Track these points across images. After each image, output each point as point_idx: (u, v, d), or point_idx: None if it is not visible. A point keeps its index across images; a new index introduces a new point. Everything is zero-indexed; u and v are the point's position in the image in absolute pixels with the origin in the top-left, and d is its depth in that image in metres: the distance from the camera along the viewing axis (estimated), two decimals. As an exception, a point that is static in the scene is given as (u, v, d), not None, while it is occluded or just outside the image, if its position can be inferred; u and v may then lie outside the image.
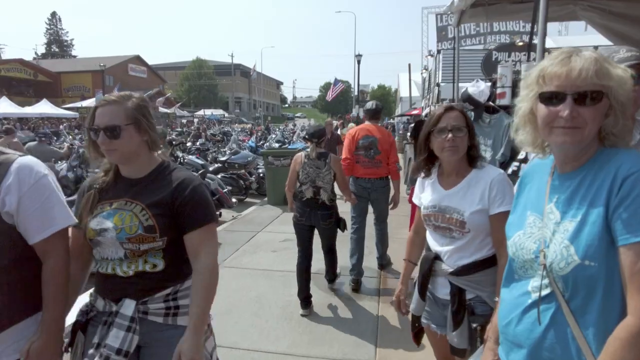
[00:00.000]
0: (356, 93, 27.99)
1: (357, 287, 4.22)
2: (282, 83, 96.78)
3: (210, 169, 9.40)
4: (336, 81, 25.38)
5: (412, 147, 4.82)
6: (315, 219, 3.73)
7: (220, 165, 9.25)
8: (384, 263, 4.78)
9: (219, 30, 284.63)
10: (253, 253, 5.47)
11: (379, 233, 4.71)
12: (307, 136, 4.03)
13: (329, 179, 3.70)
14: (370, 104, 4.77)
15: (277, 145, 15.07)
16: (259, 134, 22.09)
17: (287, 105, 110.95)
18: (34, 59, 54.20)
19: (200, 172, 7.44)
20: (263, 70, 77.37)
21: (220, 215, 7.30)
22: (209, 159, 10.64)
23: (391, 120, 45.39)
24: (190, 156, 9.71)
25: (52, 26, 66.55)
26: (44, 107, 27.94)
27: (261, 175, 9.38)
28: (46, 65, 45.74)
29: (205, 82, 61.09)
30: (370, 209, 4.59)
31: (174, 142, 10.63)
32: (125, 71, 47.64)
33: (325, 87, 69.44)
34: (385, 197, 4.54)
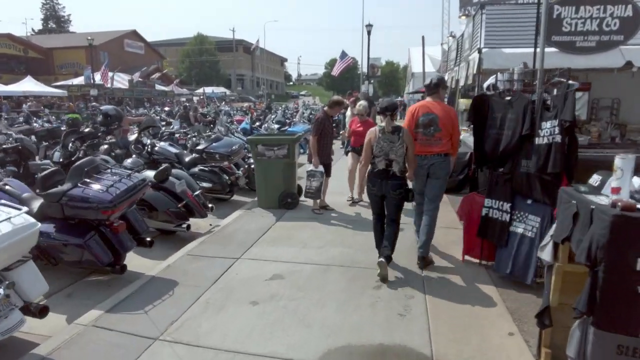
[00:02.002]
0: (366, 68, 25.50)
1: (423, 264, 4.23)
2: (286, 60, 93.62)
3: (187, 159, 7.39)
4: (343, 54, 22.95)
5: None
6: (386, 189, 3.94)
7: (197, 155, 7.21)
8: (424, 256, 4.26)
9: (221, 5, 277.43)
10: (219, 310, 3.47)
11: (427, 219, 4.27)
12: (380, 109, 4.14)
13: (401, 152, 3.87)
14: (428, 79, 4.55)
15: (276, 127, 13.00)
16: (258, 113, 19.92)
17: (291, 83, 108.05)
18: (30, 35, 51.86)
19: (161, 168, 5.42)
20: (266, 46, 74.49)
21: (188, 228, 5.32)
22: (189, 145, 8.59)
23: (401, 98, 42.91)
24: (162, 143, 7.67)
25: (47, 1, 63.70)
26: (28, 85, 25.95)
27: (253, 166, 7.35)
28: (37, 40, 43.43)
29: (207, 58, 59.06)
30: None
31: (148, 127, 8.59)
32: (121, 47, 45.29)
33: (331, 64, 66.47)
34: (442, 172, 4.30)
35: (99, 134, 8.27)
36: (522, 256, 3.68)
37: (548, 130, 3.46)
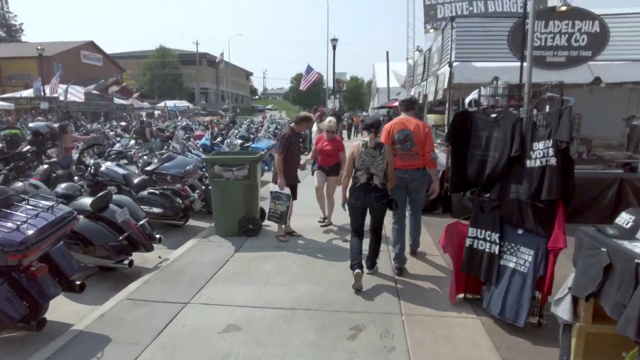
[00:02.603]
0: (331, 83, 25.30)
1: (400, 273, 4.43)
2: (251, 74, 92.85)
3: (135, 181, 6.62)
4: (309, 69, 22.58)
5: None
6: (369, 201, 4.08)
7: (146, 177, 6.45)
8: (415, 248, 5.00)
9: (185, 18, 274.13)
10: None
11: (414, 222, 4.81)
12: (365, 126, 4.38)
13: (382, 167, 4.03)
14: (405, 96, 5.31)
15: (239, 142, 12.34)
16: (221, 127, 19.15)
17: (257, 97, 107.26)
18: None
19: (99, 194, 4.67)
20: (231, 59, 73.83)
21: (130, 264, 4.58)
22: (139, 164, 7.79)
23: (365, 113, 43.12)
24: (108, 163, 6.86)
25: (-3, 9, 60.36)
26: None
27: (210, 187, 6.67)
28: (-17, 50, 40.83)
29: (170, 71, 57.77)
30: None
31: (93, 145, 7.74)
32: (77, 58, 43.36)
33: (297, 78, 66.57)
34: (422, 187, 4.62)
35: (28, 155, 7.33)
36: (514, 295, 3.23)
37: (541, 152, 3.06)
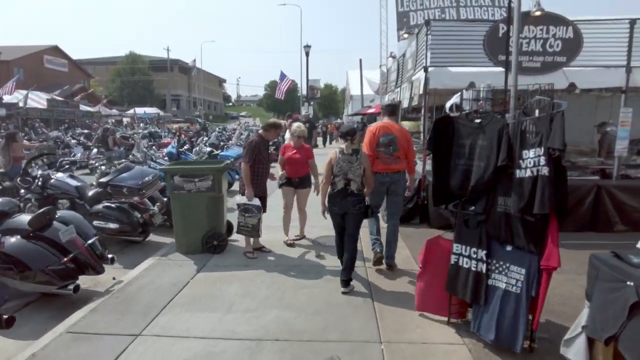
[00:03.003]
0: (305, 89, 24.99)
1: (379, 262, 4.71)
2: (224, 81, 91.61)
3: (90, 193, 6.05)
4: (282, 75, 22.28)
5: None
6: (346, 206, 4.11)
7: (101, 190, 5.89)
8: (392, 264, 4.79)
9: (156, 24, 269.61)
10: None
11: (392, 229, 4.73)
12: (341, 134, 4.36)
13: (359, 173, 4.09)
14: (387, 101, 5.47)
15: (208, 150, 11.81)
16: (190, 134, 18.48)
17: (231, 104, 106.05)
18: None
19: (39, 211, 4.12)
20: (204, 66, 72.80)
21: (76, 290, 4.04)
22: (96, 174, 7.20)
23: (339, 120, 43.05)
24: (59, 175, 6.26)
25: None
26: None
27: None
28: (-64, 54, 38.51)
29: (140, 78, 56.42)
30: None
31: (44, 153, 7.10)
32: (39, 63, 41.50)
33: (271, 85, 66.18)
34: (401, 190, 4.72)
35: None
36: (508, 318, 2.91)
37: (531, 161, 2.77)
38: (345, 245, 4.23)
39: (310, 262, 5.05)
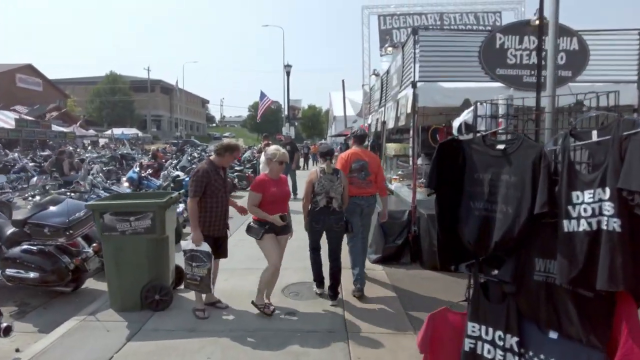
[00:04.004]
0: (286, 109, 24.19)
1: (361, 297, 4.61)
2: (207, 101, 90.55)
3: (8, 233, 4.91)
4: (262, 95, 21.45)
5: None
6: (329, 224, 4.32)
7: (17, 230, 4.74)
8: (362, 286, 4.65)
9: (138, 44, 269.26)
10: None
11: (361, 245, 4.88)
12: (321, 154, 4.70)
13: (340, 190, 4.35)
14: (358, 131, 5.80)
15: (175, 174, 10.72)
16: (168, 156, 17.31)
17: (214, 125, 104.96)
18: None
19: None
20: (187, 87, 72.15)
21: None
22: (29, 205, 6.03)
23: (323, 141, 42.45)
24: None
25: None
26: None
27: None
28: None
29: (120, 98, 55.45)
30: None
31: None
32: (12, 82, 40.06)
33: (255, 106, 65.51)
34: (372, 211, 5.08)
35: None
36: None
37: (588, 208, 1.82)
38: (331, 263, 4.43)
39: (275, 324, 3.96)
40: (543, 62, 5.99)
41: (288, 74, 22.01)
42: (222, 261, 4.45)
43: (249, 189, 9.06)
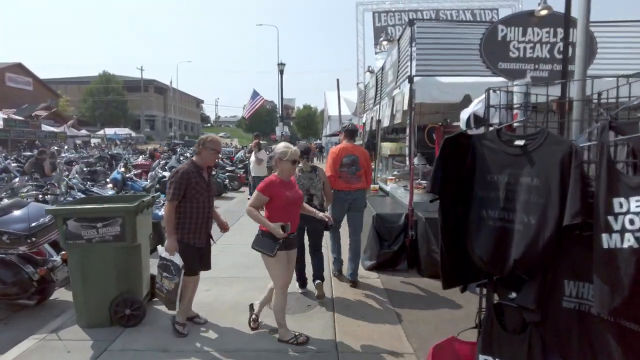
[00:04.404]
0: (280, 108, 23.77)
1: (339, 276, 5.04)
2: (202, 101, 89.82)
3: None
4: (254, 94, 20.98)
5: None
6: (310, 221, 3.98)
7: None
8: (356, 280, 4.90)
9: (132, 45, 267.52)
10: None
11: (355, 245, 4.96)
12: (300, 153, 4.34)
13: (319, 187, 4.51)
14: (348, 125, 5.46)
15: (161, 175, 10.31)
16: (145, 156, 16.83)
17: (209, 125, 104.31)
18: None
19: None
20: (181, 87, 71.59)
21: None
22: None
23: (319, 141, 42.07)
24: None
25: None
26: None
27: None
28: None
29: (114, 98, 54.98)
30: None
31: None
32: (1, 81, 39.31)
33: (249, 106, 64.80)
34: (362, 205, 5.06)
35: None
36: None
37: (637, 219, 1.43)
38: (313, 260, 4.57)
39: (259, 343, 3.55)
40: (548, 55, 5.65)
41: (281, 72, 21.60)
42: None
43: (241, 189, 8.37)
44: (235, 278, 5.04)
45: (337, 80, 22.60)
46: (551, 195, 1.65)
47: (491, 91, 1.97)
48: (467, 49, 5.60)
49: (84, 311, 3.80)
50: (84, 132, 41.98)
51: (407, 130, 5.84)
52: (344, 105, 23.39)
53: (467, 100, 5.59)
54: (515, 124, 1.94)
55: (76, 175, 7.16)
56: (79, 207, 3.81)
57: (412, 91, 5.51)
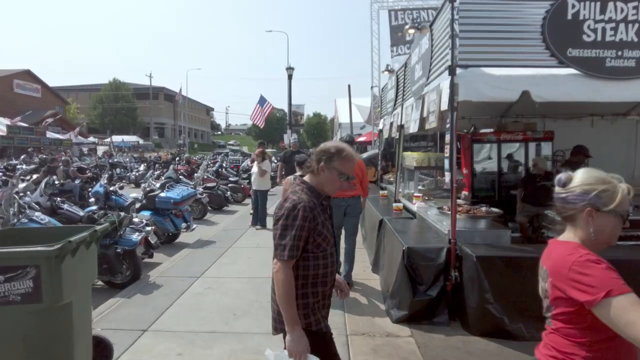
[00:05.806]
0: (288, 113, 22.59)
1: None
2: (212, 109, 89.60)
3: None
4: (262, 100, 19.83)
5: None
6: None
7: None
8: (350, 282, 5.08)
9: (142, 52, 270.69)
10: None
11: (349, 248, 5.28)
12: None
13: None
14: (345, 137, 6.34)
15: (151, 189, 9.09)
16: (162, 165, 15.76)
17: (220, 133, 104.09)
18: None
19: None
20: (191, 94, 71.13)
21: None
22: None
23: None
24: None
25: None
26: None
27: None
28: None
29: (123, 105, 54.96)
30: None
31: None
32: (8, 88, 39.00)
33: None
34: (357, 211, 5.39)
35: None
36: None
37: None
38: None
39: None
40: (636, 39, 4.31)
41: (290, 76, 20.46)
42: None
43: (245, 201, 7.65)
44: (219, 335, 3.75)
45: (349, 85, 21.45)
46: None
47: None
48: (525, 31, 4.29)
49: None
50: (91, 139, 41.52)
51: (447, 136, 4.51)
52: (356, 112, 22.20)
53: (526, 98, 4.30)
54: None
55: (43, 189, 5.96)
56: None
57: (453, 86, 4.21)
